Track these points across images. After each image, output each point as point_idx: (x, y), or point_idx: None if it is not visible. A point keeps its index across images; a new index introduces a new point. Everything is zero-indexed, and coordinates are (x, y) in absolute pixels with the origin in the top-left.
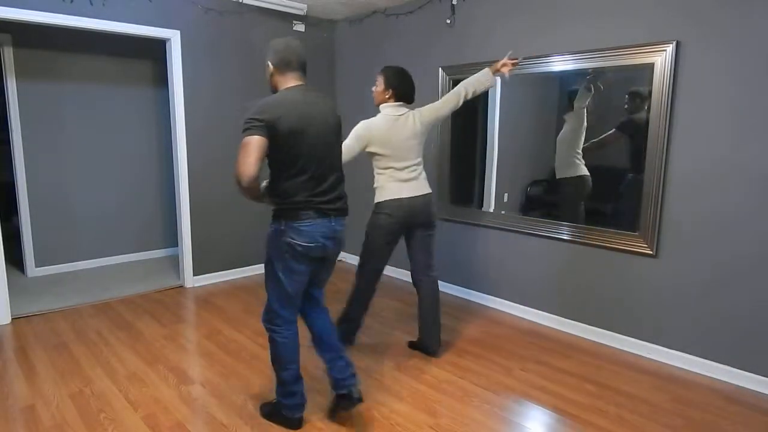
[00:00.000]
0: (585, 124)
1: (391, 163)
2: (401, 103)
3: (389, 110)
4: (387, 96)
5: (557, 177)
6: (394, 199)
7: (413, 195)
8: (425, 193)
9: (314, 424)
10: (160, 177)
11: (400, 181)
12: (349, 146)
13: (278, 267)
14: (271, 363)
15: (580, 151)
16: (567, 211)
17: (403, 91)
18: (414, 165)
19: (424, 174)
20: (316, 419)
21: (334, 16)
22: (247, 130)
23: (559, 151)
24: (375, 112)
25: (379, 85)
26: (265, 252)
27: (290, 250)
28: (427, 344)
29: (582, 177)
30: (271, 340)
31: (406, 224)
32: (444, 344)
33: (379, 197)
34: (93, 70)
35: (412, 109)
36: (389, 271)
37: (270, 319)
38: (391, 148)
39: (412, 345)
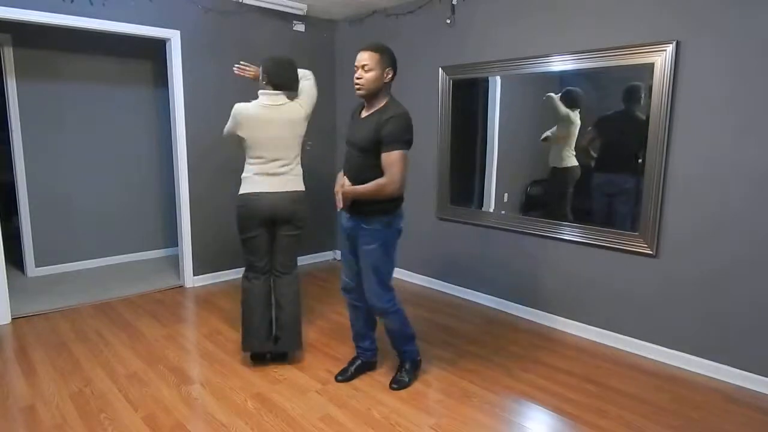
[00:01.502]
0: (569, 130)
1: (260, 152)
2: (279, 91)
3: (263, 98)
4: (264, 83)
5: (550, 165)
6: (253, 192)
7: (276, 191)
8: (292, 190)
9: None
10: (160, 177)
11: (266, 175)
12: (228, 128)
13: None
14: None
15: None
16: (556, 197)
17: (277, 75)
18: (286, 161)
19: (297, 170)
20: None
21: (334, 16)
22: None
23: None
24: None
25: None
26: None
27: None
28: (285, 345)
29: (570, 168)
30: (398, 312)
31: (266, 220)
32: (445, 344)
33: (240, 189)
34: (93, 70)
35: (291, 99)
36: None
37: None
38: (259, 138)
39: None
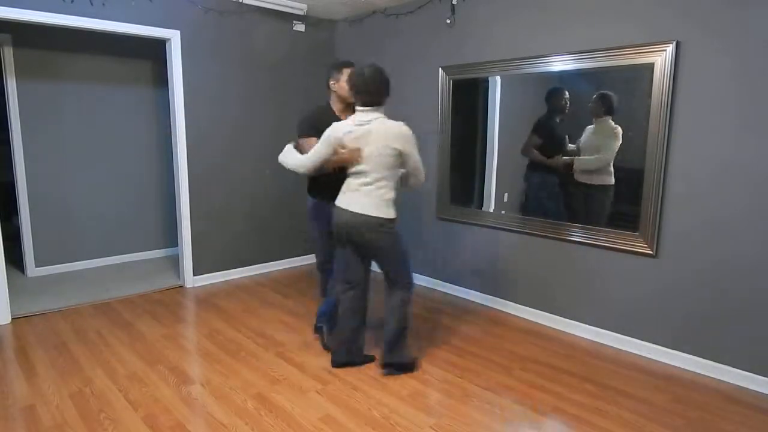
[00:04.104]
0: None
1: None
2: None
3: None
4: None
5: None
6: (337, 205)
7: (346, 208)
8: (356, 212)
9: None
10: (160, 177)
11: (348, 191)
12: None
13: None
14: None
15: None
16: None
17: (365, 91)
18: (367, 179)
19: (381, 194)
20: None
21: (334, 16)
22: None
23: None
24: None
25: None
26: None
27: None
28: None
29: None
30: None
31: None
32: (445, 344)
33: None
34: (93, 70)
35: (382, 114)
36: None
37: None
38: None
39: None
